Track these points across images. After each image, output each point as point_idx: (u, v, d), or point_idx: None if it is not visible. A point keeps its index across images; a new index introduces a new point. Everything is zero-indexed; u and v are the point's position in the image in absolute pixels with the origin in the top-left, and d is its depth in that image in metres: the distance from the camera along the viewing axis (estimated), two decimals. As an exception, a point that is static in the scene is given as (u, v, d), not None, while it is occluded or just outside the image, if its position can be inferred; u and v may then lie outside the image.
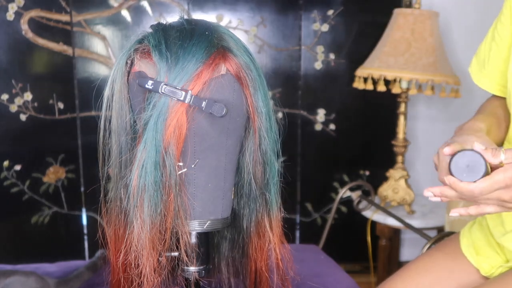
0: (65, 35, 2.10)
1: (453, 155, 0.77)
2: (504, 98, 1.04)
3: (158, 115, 0.76)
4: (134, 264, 0.79)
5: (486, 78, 1.04)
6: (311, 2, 2.19)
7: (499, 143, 1.00)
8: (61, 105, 2.15)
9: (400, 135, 2.07)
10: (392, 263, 2.24)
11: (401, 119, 2.05)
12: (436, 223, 2.03)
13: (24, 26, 2.06)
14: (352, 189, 2.01)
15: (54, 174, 2.20)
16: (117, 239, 0.86)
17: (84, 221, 2.26)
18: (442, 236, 1.46)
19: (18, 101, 2.11)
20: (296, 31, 2.21)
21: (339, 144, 2.31)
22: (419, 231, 1.70)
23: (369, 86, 1.98)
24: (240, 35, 2.09)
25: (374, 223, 2.13)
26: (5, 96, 2.09)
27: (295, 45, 2.22)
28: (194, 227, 0.84)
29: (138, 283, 0.80)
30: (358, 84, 2.02)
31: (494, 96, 1.08)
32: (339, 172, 2.35)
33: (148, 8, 2.12)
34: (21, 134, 2.14)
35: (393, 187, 2.08)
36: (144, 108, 0.78)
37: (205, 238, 0.87)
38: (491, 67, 1.02)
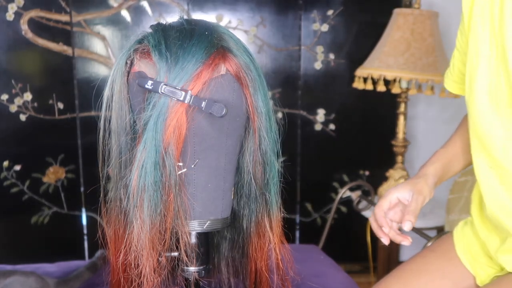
0: (65, 35, 2.10)
1: None
2: None
3: (158, 115, 0.76)
4: (134, 264, 0.79)
5: (452, 81, 1.13)
6: (311, 2, 2.19)
7: (461, 170, 1.16)
8: (61, 105, 2.15)
9: (400, 135, 2.07)
10: (392, 263, 2.24)
11: (401, 119, 2.05)
12: (436, 223, 2.03)
13: (24, 26, 2.06)
14: (352, 189, 2.01)
15: (54, 174, 2.20)
16: (117, 239, 0.86)
17: (84, 221, 2.26)
18: (441, 236, 1.46)
19: (18, 101, 2.11)
20: (296, 31, 2.21)
21: (339, 144, 2.31)
22: (419, 231, 1.70)
23: (369, 86, 1.98)
24: (240, 35, 2.09)
25: (374, 223, 2.12)
26: (5, 96, 2.09)
27: (295, 45, 2.22)
28: (194, 227, 0.83)
29: (138, 283, 0.80)
30: (358, 84, 2.02)
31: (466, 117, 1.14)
32: (339, 172, 2.35)
33: (148, 8, 2.12)
34: (21, 134, 2.14)
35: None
36: (144, 108, 0.78)
37: (205, 238, 0.87)
38: (456, 72, 1.11)
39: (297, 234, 2.39)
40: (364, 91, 2.03)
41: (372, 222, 1.06)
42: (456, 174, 1.18)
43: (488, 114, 0.91)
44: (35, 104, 2.13)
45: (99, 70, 2.16)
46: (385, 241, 1.02)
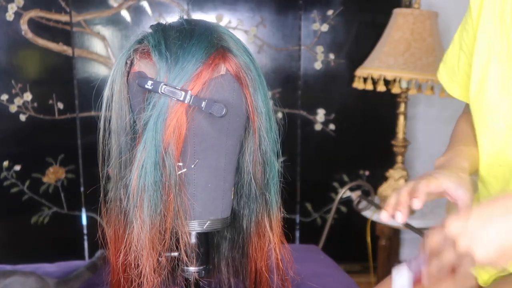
0: (64, 35, 2.10)
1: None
2: None
3: (158, 115, 0.76)
4: (134, 264, 0.79)
5: (458, 86, 1.06)
6: (311, 2, 2.19)
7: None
8: (60, 105, 2.15)
9: (400, 135, 2.07)
10: (392, 263, 2.24)
11: (401, 119, 2.05)
12: (436, 223, 2.03)
13: (24, 27, 2.06)
14: (352, 189, 2.01)
15: (54, 174, 2.20)
16: (117, 239, 0.86)
17: (84, 221, 2.26)
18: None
19: (18, 101, 2.11)
20: (296, 31, 2.21)
21: (339, 144, 2.31)
22: (419, 231, 1.70)
23: (369, 86, 1.98)
24: (240, 35, 2.09)
25: (374, 223, 2.13)
26: (4, 97, 2.09)
27: (295, 45, 2.22)
28: (194, 227, 0.83)
29: (138, 283, 0.80)
30: (358, 84, 2.02)
31: (464, 115, 1.11)
32: (339, 172, 2.35)
33: (148, 8, 2.12)
34: (21, 134, 2.14)
35: (393, 187, 2.08)
36: (144, 108, 0.78)
37: (205, 238, 0.87)
38: (462, 76, 1.04)
39: (297, 234, 2.39)
40: (364, 91, 2.03)
41: (405, 193, 0.87)
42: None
43: (500, 111, 0.90)
44: (35, 104, 2.13)
45: (99, 70, 2.16)
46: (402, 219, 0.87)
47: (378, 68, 1.92)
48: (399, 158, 2.09)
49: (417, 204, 0.82)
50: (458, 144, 1.03)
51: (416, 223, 1.92)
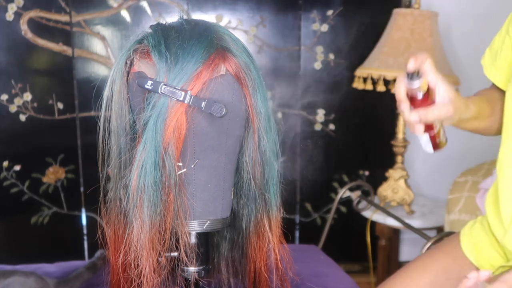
0: (64, 35, 2.10)
1: None
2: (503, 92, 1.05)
3: (158, 115, 0.76)
4: (134, 264, 0.79)
5: (496, 70, 1.05)
6: (311, 2, 2.19)
7: (487, 129, 1.05)
8: (60, 105, 2.15)
9: (400, 135, 2.07)
10: (392, 263, 2.24)
11: (401, 119, 2.05)
12: (436, 223, 2.04)
13: (24, 27, 2.06)
14: (351, 189, 2.01)
15: (53, 175, 2.20)
16: (116, 239, 0.86)
17: (84, 221, 2.26)
18: (441, 236, 1.46)
19: (18, 101, 2.11)
20: (296, 31, 2.21)
21: (338, 144, 2.31)
22: (418, 231, 1.70)
23: (369, 86, 1.98)
24: (240, 35, 2.09)
25: (373, 223, 2.13)
26: (4, 97, 2.09)
27: (295, 45, 2.22)
28: (194, 227, 0.84)
29: (138, 283, 0.80)
30: (358, 84, 2.02)
31: (494, 87, 1.09)
32: (339, 172, 2.35)
33: (148, 9, 2.12)
34: (21, 134, 2.14)
35: (393, 187, 2.08)
36: (144, 108, 0.78)
37: (204, 238, 0.87)
38: (502, 60, 1.02)
39: (297, 234, 2.39)
40: (364, 91, 2.03)
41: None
42: (477, 130, 1.04)
43: None
44: (35, 104, 2.13)
45: (99, 70, 2.16)
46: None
47: (378, 68, 1.92)
48: (399, 158, 2.09)
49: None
50: (472, 96, 1.02)
51: (415, 223, 1.92)
